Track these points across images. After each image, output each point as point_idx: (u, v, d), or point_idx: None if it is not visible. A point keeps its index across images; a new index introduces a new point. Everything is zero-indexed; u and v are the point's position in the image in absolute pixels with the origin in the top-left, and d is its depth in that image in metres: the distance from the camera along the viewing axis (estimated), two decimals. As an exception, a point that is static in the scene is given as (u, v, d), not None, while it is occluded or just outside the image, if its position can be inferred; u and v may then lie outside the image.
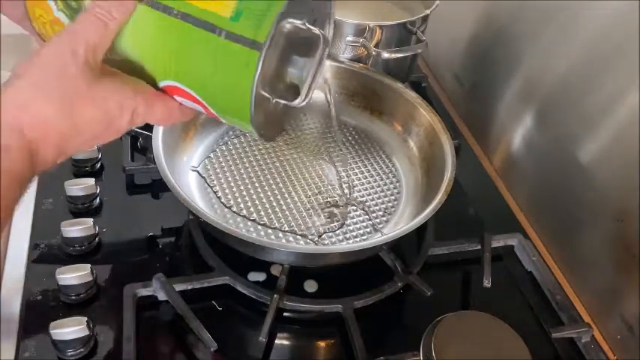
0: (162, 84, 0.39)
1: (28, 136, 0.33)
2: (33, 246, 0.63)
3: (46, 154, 0.34)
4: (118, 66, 0.38)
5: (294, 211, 0.66)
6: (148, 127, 0.63)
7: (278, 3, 0.37)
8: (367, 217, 0.67)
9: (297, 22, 0.38)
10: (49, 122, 0.34)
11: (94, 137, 0.36)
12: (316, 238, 0.63)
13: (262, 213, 0.65)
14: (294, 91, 0.42)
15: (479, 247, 0.66)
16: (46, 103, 0.34)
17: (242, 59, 0.36)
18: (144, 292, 0.58)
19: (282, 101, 0.40)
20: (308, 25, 0.38)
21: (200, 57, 0.37)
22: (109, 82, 0.36)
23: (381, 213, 0.67)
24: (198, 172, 0.69)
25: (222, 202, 0.66)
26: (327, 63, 0.43)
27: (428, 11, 0.76)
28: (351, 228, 0.65)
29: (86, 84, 0.35)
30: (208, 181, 0.68)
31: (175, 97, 0.40)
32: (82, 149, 0.37)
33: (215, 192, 0.67)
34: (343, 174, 0.72)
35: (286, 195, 0.68)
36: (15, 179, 0.32)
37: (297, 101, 0.41)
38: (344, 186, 0.70)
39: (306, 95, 0.41)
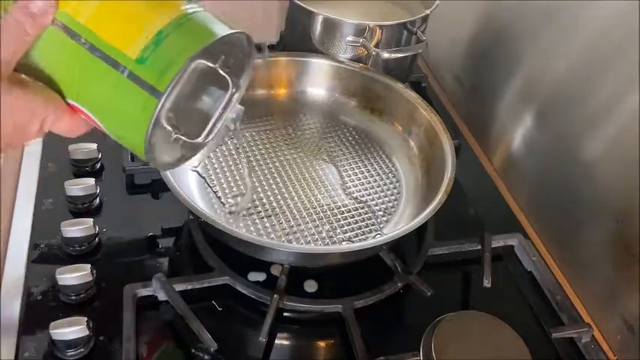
0: (68, 100, 0.40)
1: None
2: (33, 246, 0.63)
3: None
4: (31, 72, 0.39)
5: (294, 210, 0.66)
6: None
7: (188, 51, 0.37)
8: (368, 216, 0.67)
9: (209, 64, 0.38)
10: None
11: (5, 144, 0.38)
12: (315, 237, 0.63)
13: (262, 213, 0.65)
14: (201, 125, 0.42)
15: (479, 247, 0.66)
16: None
17: (141, 102, 0.37)
18: (144, 292, 0.58)
19: (182, 137, 0.40)
20: (219, 69, 0.38)
21: (101, 88, 0.38)
22: (21, 92, 0.37)
23: (381, 213, 0.67)
24: (197, 172, 0.69)
25: (222, 202, 0.66)
26: (239, 108, 0.44)
27: (428, 11, 0.76)
28: (351, 227, 0.65)
29: (5, 98, 0.35)
30: (208, 181, 0.68)
31: (79, 114, 0.41)
32: None
33: (215, 192, 0.67)
34: (343, 174, 0.72)
35: (286, 195, 0.68)
36: None
37: (196, 140, 0.41)
38: (344, 186, 0.70)
39: (206, 136, 0.41)
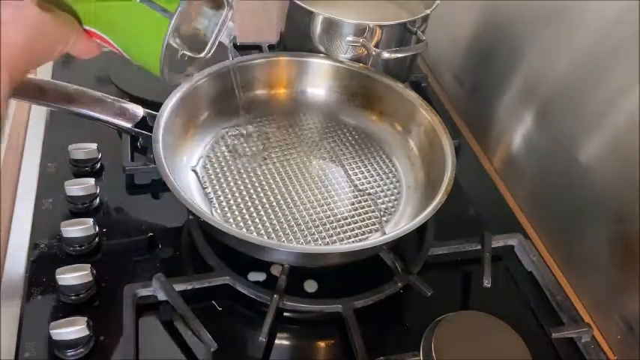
0: (85, 27, 0.45)
1: (9, 68, 0.40)
2: (33, 246, 0.63)
3: (15, 80, 0.41)
4: (53, 1, 0.43)
5: (294, 210, 0.66)
6: (148, 127, 0.64)
7: None
8: (368, 216, 0.67)
9: None
10: (19, 56, 0.41)
11: (37, 62, 0.43)
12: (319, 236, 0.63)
13: (262, 213, 0.65)
14: (201, 45, 0.49)
15: (479, 247, 0.66)
16: (15, 36, 0.40)
17: (154, 23, 0.43)
18: (144, 292, 0.58)
19: (188, 52, 0.47)
20: None
21: (117, 13, 0.44)
22: (50, 17, 0.42)
23: (381, 213, 0.67)
24: (196, 172, 0.69)
25: (220, 202, 0.66)
26: (231, 25, 0.52)
27: (428, 11, 0.76)
28: (351, 227, 0.65)
29: (37, 20, 0.41)
30: (208, 181, 0.68)
31: (95, 39, 0.46)
32: (26, 71, 0.43)
33: (207, 193, 0.67)
34: (343, 173, 0.72)
35: (286, 195, 0.68)
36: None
37: (201, 54, 0.48)
38: (344, 185, 0.70)
39: (209, 50, 0.49)
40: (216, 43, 0.49)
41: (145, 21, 0.43)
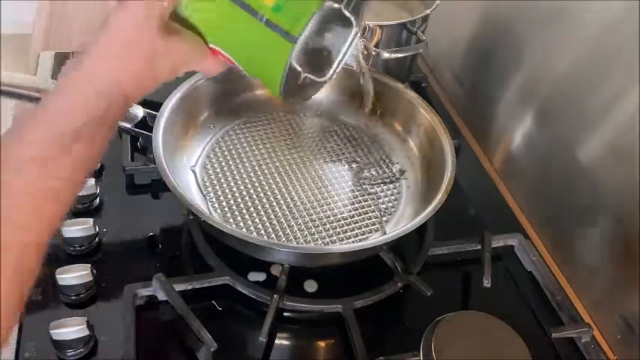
0: (209, 45, 0.44)
1: (124, 89, 0.41)
2: (33, 246, 0.63)
3: (133, 98, 0.42)
4: (180, 20, 0.44)
5: (294, 210, 0.66)
6: (148, 127, 0.64)
7: (317, 2, 0.41)
8: (368, 216, 0.67)
9: (335, 5, 0.42)
10: (139, 80, 0.42)
11: (164, 79, 0.44)
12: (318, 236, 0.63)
13: (262, 213, 0.65)
14: (324, 65, 0.46)
15: (479, 247, 0.66)
16: (135, 65, 0.41)
17: (277, 46, 0.41)
18: (144, 292, 0.58)
19: (311, 76, 0.44)
20: (344, 10, 0.43)
21: (241, 35, 0.43)
22: (177, 40, 0.43)
23: (381, 213, 0.67)
24: (195, 172, 0.69)
25: (220, 201, 0.66)
26: (360, 46, 0.49)
27: (428, 11, 0.76)
28: (351, 227, 0.65)
29: (161, 43, 0.41)
30: (208, 181, 0.68)
31: (219, 56, 0.46)
32: (147, 89, 0.44)
33: (207, 193, 0.67)
34: (344, 173, 0.72)
35: (286, 195, 0.68)
36: (111, 129, 0.41)
37: (323, 78, 0.45)
38: (344, 185, 0.70)
39: (333, 73, 0.46)
40: (341, 65, 0.46)
41: (267, 44, 0.42)
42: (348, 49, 0.46)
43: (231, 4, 0.42)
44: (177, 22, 0.43)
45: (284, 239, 0.63)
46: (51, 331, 0.53)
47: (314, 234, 0.64)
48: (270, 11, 0.41)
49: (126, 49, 0.41)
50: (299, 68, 0.43)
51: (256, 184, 0.68)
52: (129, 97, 0.41)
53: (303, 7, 0.41)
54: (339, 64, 0.46)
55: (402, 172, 0.73)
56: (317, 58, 0.46)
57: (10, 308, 0.35)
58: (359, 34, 0.46)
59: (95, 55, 0.40)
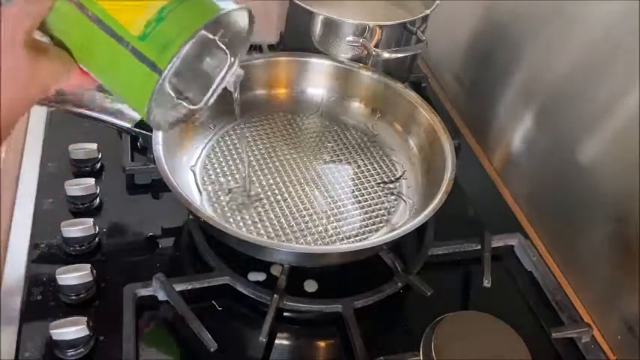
0: (78, 63, 0.42)
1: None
2: (33, 246, 0.63)
3: (6, 127, 0.40)
4: (49, 34, 0.41)
5: (294, 210, 0.66)
6: (148, 127, 0.63)
7: (188, 30, 0.39)
8: (368, 216, 0.67)
9: (209, 35, 0.40)
10: (10, 105, 0.39)
11: (30, 101, 0.42)
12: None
13: (262, 213, 0.65)
14: (204, 88, 0.45)
15: (479, 247, 0.66)
16: (5, 88, 0.38)
17: (142, 76, 0.39)
18: (144, 292, 0.58)
19: (183, 103, 0.43)
20: (218, 41, 0.41)
21: (107, 59, 0.41)
22: (44, 58, 0.40)
23: (381, 212, 0.67)
24: (195, 172, 0.69)
25: (220, 202, 0.66)
26: (237, 75, 0.47)
27: (428, 11, 0.76)
28: (351, 227, 0.65)
29: (28, 66, 0.39)
30: (208, 181, 0.68)
31: (88, 75, 0.43)
32: (18, 116, 0.42)
33: (207, 193, 0.67)
34: (344, 173, 0.72)
35: (286, 195, 0.68)
36: None
37: (195, 106, 0.44)
38: (344, 185, 0.70)
39: (207, 101, 0.44)
40: (216, 93, 0.45)
41: (133, 72, 0.39)
42: (223, 80, 0.45)
43: (96, 28, 0.39)
44: (47, 35, 0.42)
45: (284, 239, 0.63)
46: (51, 331, 0.53)
47: (314, 234, 0.64)
48: (136, 40, 0.39)
49: None
50: (172, 94, 0.41)
51: (256, 184, 0.68)
52: (3, 126, 0.39)
53: (170, 37, 0.39)
54: (213, 92, 0.45)
55: (402, 172, 0.73)
56: (197, 81, 0.45)
57: None
58: (234, 68, 0.45)
59: None
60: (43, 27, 0.41)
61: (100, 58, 0.41)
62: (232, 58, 0.43)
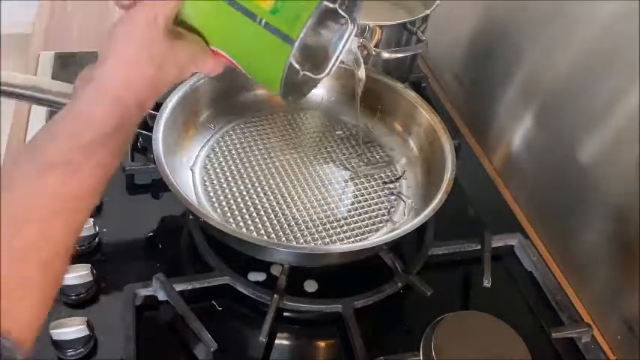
0: (211, 47, 0.46)
1: (138, 96, 0.42)
2: (33, 246, 0.63)
3: (148, 103, 0.43)
4: (182, 24, 0.45)
5: (294, 210, 0.66)
6: (148, 127, 0.64)
7: (312, 4, 0.42)
8: (368, 216, 0.67)
9: (330, 5, 0.43)
10: (151, 83, 0.42)
11: (171, 84, 0.45)
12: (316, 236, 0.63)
13: (262, 213, 0.65)
14: (321, 62, 0.47)
15: (479, 247, 0.66)
16: (145, 69, 0.42)
17: (276, 48, 0.42)
18: (144, 292, 0.58)
19: (308, 74, 0.45)
20: (339, 10, 0.44)
21: (241, 37, 0.44)
22: (182, 42, 0.44)
23: (381, 212, 0.67)
24: (195, 171, 0.69)
25: (220, 201, 0.66)
26: (357, 43, 0.51)
27: (428, 11, 0.76)
28: (351, 227, 0.65)
29: (168, 46, 0.42)
30: (208, 180, 0.68)
31: (220, 58, 0.46)
32: (157, 96, 0.45)
33: (207, 193, 0.67)
34: (344, 173, 0.72)
35: (286, 195, 0.68)
36: (130, 133, 0.42)
37: (321, 75, 0.46)
38: (344, 185, 0.70)
39: (330, 69, 0.46)
40: (337, 62, 0.47)
41: (266, 46, 0.43)
42: (344, 47, 0.47)
43: (230, 8, 0.42)
44: (180, 26, 0.44)
45: (284, 239, 0.63)
46: (51, 331, 0.53)
47: (314, 234, 0.64)
48: (267, 14, 0.42)
49: (136, 54, 0.42)
50: (298, 67, 0.44)
51: (256, 184, 0.68)
52: (142, 101, 0.42)
53: (299, 8, 0.42)
54: (335, 61, 0.46)
55: (402, 172, 0.73)
56: (315, 55, 0.47)
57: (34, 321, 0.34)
58: (354, 32, 0.46)
59: (107, 64, 0.41)
60: (177, 17, 0.44)
61: (234, 38, 0.44)
62: (352, 25, 0.45)
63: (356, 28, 0.47)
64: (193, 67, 0.46)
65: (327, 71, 0.46)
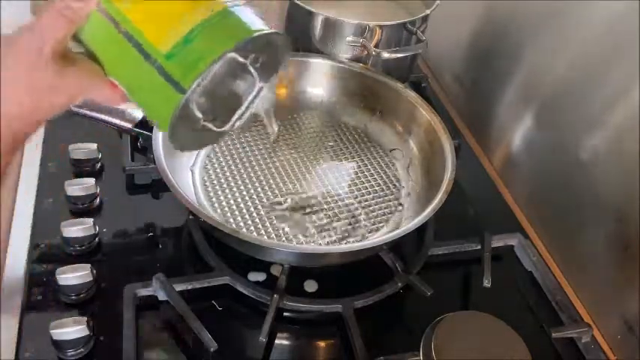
0: (109, 76, 0.42)
1: (13, 128, 0.39)
2: (33, 246, 0.63)
3: (26, 134, 0.41)
4: (81, 45, 0.42)
5: (294, 210, 0.66)
6: (148, 127, 0.64)
7: (214, 52, 0.38)
8: (368, 216, 0.67)
9: (239, 59, 0.39)
10: (27, 113, 0.40)
11: (51, 112, 0.42)
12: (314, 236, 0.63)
13: (262, 213, 0.65)
14: (230, 110, 0.44)
15: (479, 247, 0.66)
16: (24, 96, 0.39)
17: (167, 94, 0.39)
18: (144, 292, 0.58)
19: (209, 125, 0.42)
20: (249, 65, 0.40)
21: (134, 74, 0.41)
22: (73, 69, 0.41)
23: (381, 212, 0.67)
24: (195, 172, 0.69)
25: (220, 201, 0.66)
26: (268, 100, 0.46)
27: (428, 11, 0.76)
28: (351, 227, 0.65)
29: (54, 73, 0.39)
30: (208, 180, 0.68)
31: (118, 88, 0.43)
32: (38, 123, 0.42)
33: (207, 193, 0.67)
34: (344, 173, 0.72)
35: (286, 195, 0.68)
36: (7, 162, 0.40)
37: (220, 129, 0.43)
38: (344, 185, 0.70)
39: (232, 125, 0.44)
40: (243, 118, 0.44)
41: (158, 89, 0.39)
42: (252, 104, 0.44)
43: (126, 42, 0.40)
44: (80, 45, 0.42)
45: (284, 239, 0.63)
46: (51, 331, 0.53)
47: (314, 234, 0.64)
48: (163, 57, 0.39)
49: (13, 81, 0.39)
50: (199, 115, 0.41)
51: (256, 184, 0.68)
52: (18, 134, 0.40)
53: (196, 58, 0.38)
54: (240, 116, 0.44)
55: (402, 172, 0.73)
56: (228, 102, 0.44)
57: None
58: (261, 92, 0.43)
59: None
60: (77, 37, 0.41)
61: (127, 72, 0.41)
62: (262, 83, 0.43)
63: (267, 89, 0.44)
64: (86, 95, 0.42)
65: (227, 126, 0.43)
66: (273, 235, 0.63)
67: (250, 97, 0.44)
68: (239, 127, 0.44)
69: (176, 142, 0.43)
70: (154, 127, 0.63)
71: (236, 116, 0.44)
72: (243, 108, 0.44)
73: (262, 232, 0.63)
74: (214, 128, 0.43)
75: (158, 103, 0.40)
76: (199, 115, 0.41)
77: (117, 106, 0.44)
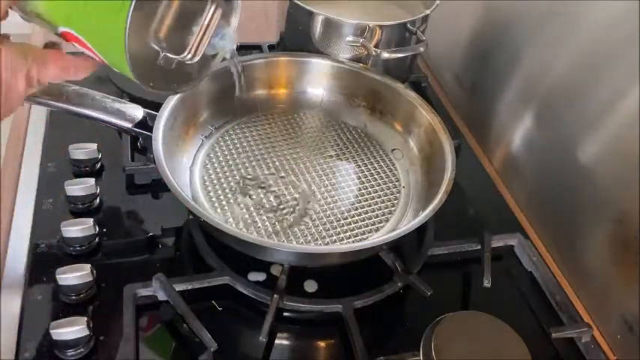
0: (59, 29, 0.40)
1: None
2: (33, 246, 0.63)
3: None
4: (23, 8, 0.40)
5: (294, 210, 0.66)
6: (148, 127, 0.64)
7: None
8: (368, 216, 0.67)
9: None
10: None
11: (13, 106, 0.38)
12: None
13: (262, 213, 0.65)
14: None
15: (479, 247, 0.66)
16: None
17: (117, 6, 0.37)
18: (144, 292, 0.58)
19: (170, 55, 0.41)
20: None
21: (82, 4, 0.39)
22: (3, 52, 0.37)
23: (381, 212, 0.67)
24: (195, 172, 0.69)
25: (221, 201, 0.66)
26: (231, 31, 0.45)
27: (428, 11, 0.76)
28: (351, 227, 0.65)
29: None
30: (208, 180, 0.68)
31: (73, 43, 0.41)
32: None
33: (207, 193, 0.67)
34: (344, 173, 0.72)
35: (286, 195, 0.68)
36: None
37: (180, 55, 0.42)
38: (344, 185, 0.70)
39: (190, 52, 0.42)
40: (202, 47, 0.42)
41: (108, 6, 0.38)
42: (208, 29, 0.42)
43: None
44: (23, 11, 0.40)
45: (284, 239, 0.63)
46: (51, 331, 0.53)
47: (314, 234, 0.64)
48: None
49: None
50: (154, 45, 0.40)
51: (256, 184, 0.68)
52: None
53: None
54: (198, 43, 0.42)
55: (402, 172, 0.73)
56: (184, 36, 0.43)
57: None
58: (214, 14, 0.42)
59: None
60: (21, 8, 0.40)
61: (75, 5, 0.39)
62: (213, 5, 0.41)
63: (218, 9, 0.42)
64: (26, 79, 0.39)
65: (186, 53, 0.41)
66: (273, 235, 0.63)
67: (206, 21, 0.42)
68: (205, 63, 0.43)
69: (142, 78, 0.41)
70: (155, 127, 0.63)
71: (194, 41, 0.42)
72: (200, 32, 0.42)
73: (262, 232, 0.63)
74: (173, 56, 0.41)
75: (111, 22, 0.38)
76: (156, 46, 0.40)
77: (70, 77, 0.42)
